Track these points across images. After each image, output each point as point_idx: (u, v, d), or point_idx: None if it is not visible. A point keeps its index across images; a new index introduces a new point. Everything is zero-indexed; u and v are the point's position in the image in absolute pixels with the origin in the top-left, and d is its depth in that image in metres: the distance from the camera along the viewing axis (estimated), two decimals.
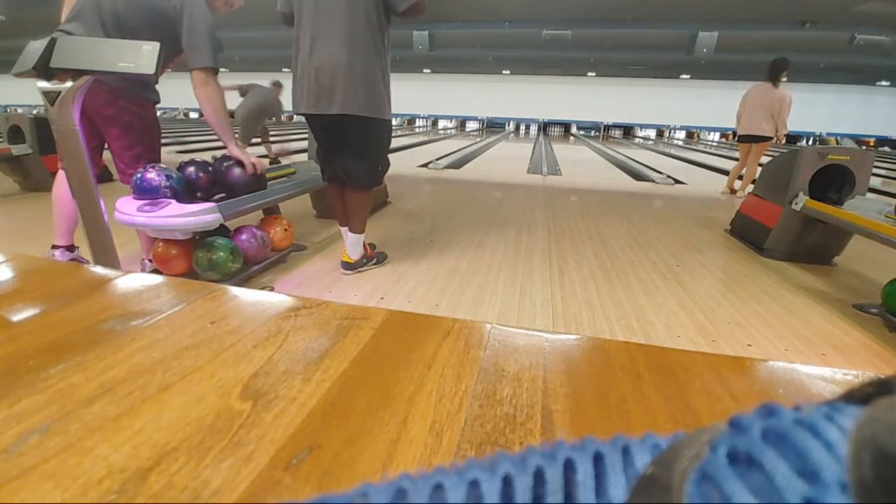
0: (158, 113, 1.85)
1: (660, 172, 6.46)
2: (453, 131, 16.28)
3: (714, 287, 2.05)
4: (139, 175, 1.61)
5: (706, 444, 0.08)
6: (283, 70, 16.90)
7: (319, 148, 1.97)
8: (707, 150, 12.16)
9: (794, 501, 0.06)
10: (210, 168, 1.82)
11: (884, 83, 14.43)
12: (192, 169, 1.77)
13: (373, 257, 2.13)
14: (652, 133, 18.38)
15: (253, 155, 1.83)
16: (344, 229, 2.03)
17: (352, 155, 1.86)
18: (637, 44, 12.22)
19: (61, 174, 1.70)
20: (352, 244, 2.01)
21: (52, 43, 1.10)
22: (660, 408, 0.27)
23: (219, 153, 1.94)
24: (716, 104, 16.25)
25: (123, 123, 1.66)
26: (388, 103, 1.83)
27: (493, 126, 18.68)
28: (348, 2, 1.63)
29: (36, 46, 1.11)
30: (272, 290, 1.82)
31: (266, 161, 1.82)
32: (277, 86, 5.41)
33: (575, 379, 0.30)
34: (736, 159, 4.87)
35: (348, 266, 2.04)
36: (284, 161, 4.27)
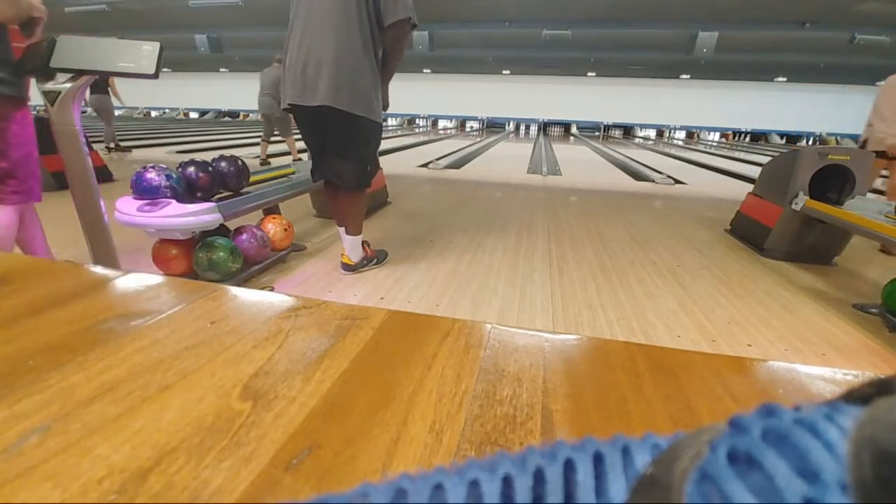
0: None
1: (660, 172, 6.46)
2: (453, 131, 16.28)
3: (714, 287, 2.05)
4: (139, 175, 1.61)
5: (706, 444, 0.08)
6: None
7: (309, 147, 1.95)
8: (707, 150, 12.16)
9: (795, 501, 0.06)
10: (210, 168, 1.82)
11: (884, 83, 14.42)
12: (192, 169, 1.77)
13: (373, 257, 2.13)
14: (652, 133, 18.37)
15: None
16: (341, 229, 2.04)
17: (339, 155, 1.83)
18: (637, 44, 12.23)
19: None
20: (350, 247, 2.02)
21: (53, 43, 1.11)
22: (660, 408, 0.27)
23: (218, 153, 1.94)
24: (716, 104, 16.28)
25: None
26: (378, 104, 1.79)
27: (493, 126, 18.69)
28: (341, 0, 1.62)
29: None
30: (272, 290, 1.83)
31: None
32: (279, 60, 5.31)
33: (575, 379, 0.30)
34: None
35: (348, 268, 2.05)
36: (285, 161, 4.28)
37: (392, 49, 1.76)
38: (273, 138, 5.44)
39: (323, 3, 1.63)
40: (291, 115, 1.90)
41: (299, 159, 5.16)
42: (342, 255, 2.06)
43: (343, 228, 2.01)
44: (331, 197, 2.03)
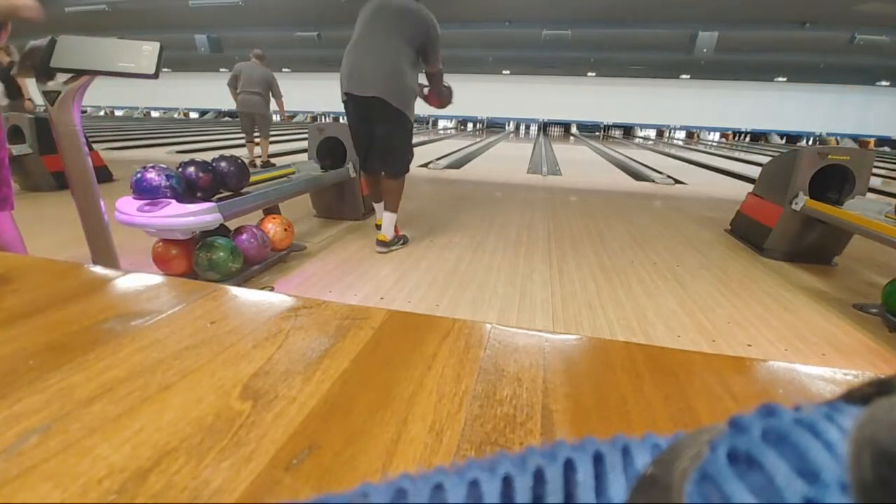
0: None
1: (660, 172, 6.46)
2: (453, 131, 16.27)
3: (714, 287, 2.05)
4: (139, 175, 1.61)
5: (706, 444, 0.08)
6: (283, 70, 16.89)
7: (358, 142, 2.38)
8: (707, 150, 12.16)
9: (795, 501, 0.06)
10: (210, 168, 1.82)
11: (884, 83, 14.42)
12: (192, 169, 1.77)
13: (401, 237, 2.47)
14: (652, 133, 18.36)
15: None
16: (379, 205, 2.46)
17: (385, 147, 2.28)
18: (637, 44, 12.21)
19: None
20: (388, 223, 2.36)
21: (53, 43, 1.11)
22: (660, 408, 0.27)
23: (218, 153, 1.95)
24: (716, 104, 16.27)
25: None
26: (413, 108, 2.31)
27: (493, 126, 18.67)
28: (396, 35, 2.13)
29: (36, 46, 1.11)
30: (272, 290, 1.82)
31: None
32: (261, 57, 4.89)
33: (575, 379, 0.30)
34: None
35: (384, 244, 2.35)
36: (285, 161, 4.27)
37: (431, 80, 2.42)
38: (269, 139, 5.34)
39: (381, 30, 2.15)
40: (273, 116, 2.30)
41: (269, 162, 4.99)
42: (378, 235, 2.38)
43: (381, 203, 2.45)
44: (371, 181, 2.52)
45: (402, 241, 2.51)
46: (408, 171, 2.43)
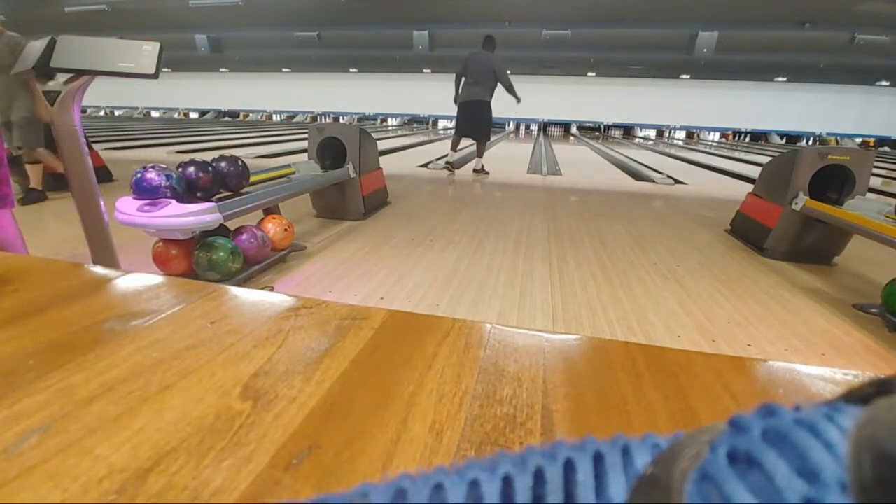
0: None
1: (660, 172, 6.46)
2: (453, 131, 16.27)
3: (714, 287, 2.05)
4: (139, 175, 1.61)
5: (706, 444, 0.08)
6: (283, 70, 16.88)
7: (461, 123, 5.03)
8: (707, 150, 12.16)
9: (794, 501, 0.06)
10: (210, 168, 1.82)
11: (884, 83, 14.42)
12: (192, 169, 1.77)
13: (482, 172, 5.24)
14: (652, 133, 18.34)
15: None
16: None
17: (481, 121, 4.86)
18: (637, 44, 12.22)
19: None
20: (476, 163, 5.19)
21: (53, 43, 1.11)
22: (660, 408, 0.27)
23: (218, 153, 1.95)
24: (716, 104, 16.26)
25: None
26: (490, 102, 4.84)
27: (492, 126, 18.68)
28: (487, 77, 4.72)
29: (36, 46, 1.11)
30: (272, 290, 1.82)
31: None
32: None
33: (575, 379, 0.30)
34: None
35: (477, 171, 5.12)
36: (285, 161, 4.26)
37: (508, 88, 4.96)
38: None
39: (479, 78, 4.76)
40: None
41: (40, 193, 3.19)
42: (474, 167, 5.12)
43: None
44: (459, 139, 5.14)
45: (483, 171, 5.30)
46: (489, 138, 5.07)
